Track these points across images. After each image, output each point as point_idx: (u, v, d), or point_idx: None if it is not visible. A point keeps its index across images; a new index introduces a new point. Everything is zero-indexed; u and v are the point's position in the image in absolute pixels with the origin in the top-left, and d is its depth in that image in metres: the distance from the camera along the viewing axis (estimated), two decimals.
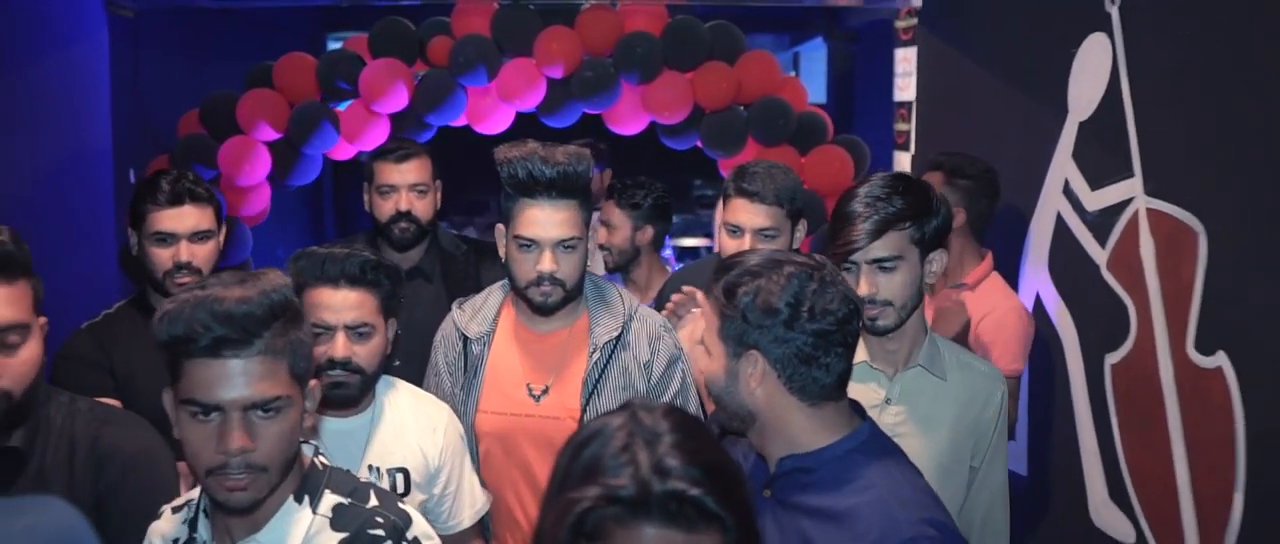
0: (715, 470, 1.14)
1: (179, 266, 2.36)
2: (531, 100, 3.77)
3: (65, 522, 1.13)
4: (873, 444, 1.63)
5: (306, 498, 1.54)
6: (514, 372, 2.16)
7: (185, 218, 2.37)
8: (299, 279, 1.94)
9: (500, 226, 2.16)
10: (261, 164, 3.77)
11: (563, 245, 2.06)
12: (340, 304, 1.92)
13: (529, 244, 2.06)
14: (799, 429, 1.57)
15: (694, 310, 2.32)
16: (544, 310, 2.12)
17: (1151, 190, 2.10)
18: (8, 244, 1.66)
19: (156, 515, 1.59)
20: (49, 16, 3.21)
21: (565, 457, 1.21)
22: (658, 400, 1.75)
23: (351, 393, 1.96)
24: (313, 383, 1.52)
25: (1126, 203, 2.18)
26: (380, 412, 2.02)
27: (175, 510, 1.58)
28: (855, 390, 1.94)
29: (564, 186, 2.04)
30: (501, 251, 2.16)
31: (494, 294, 2.26)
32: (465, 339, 2.20)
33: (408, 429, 2.02)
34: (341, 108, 3.85)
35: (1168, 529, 2.04)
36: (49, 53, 3.22)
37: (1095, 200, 2.31)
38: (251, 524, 1.49)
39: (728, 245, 2.49)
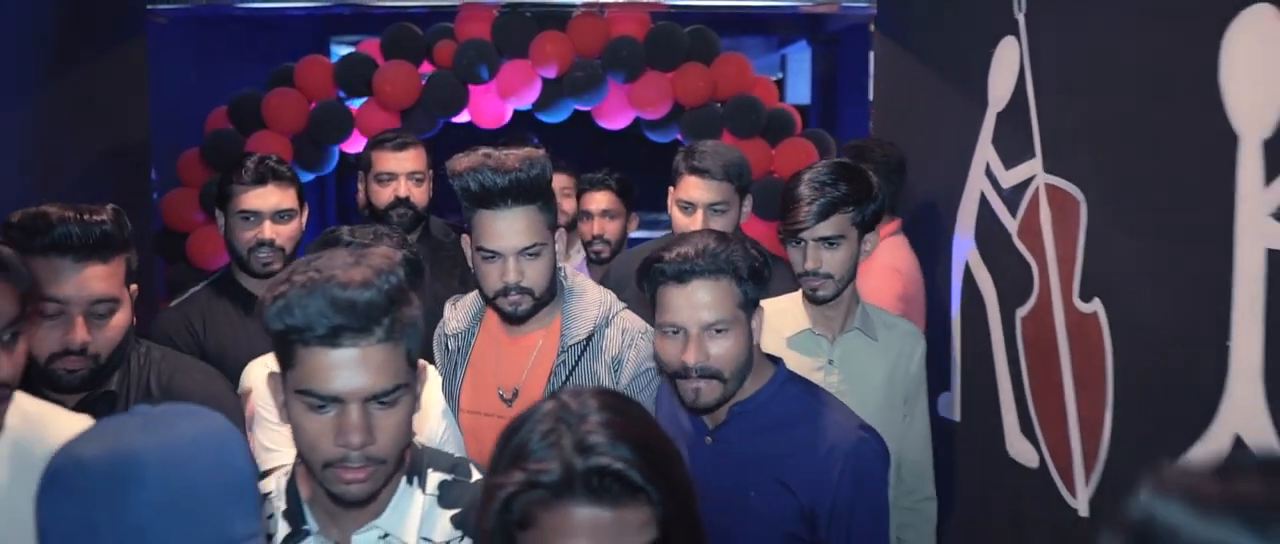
0: (642, 445, 1.12)
1: (261, 244, 2.46)
2: (528, 98, 4.16)
3: (219, 422, 1.16)
4: (793, 378, 1.99)
5: (416, 479, 1.49)
6: (489, 373, 2.14)
7: (268, 197, 2.46)
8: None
9: (465, 237, 2.11)
10: (283, 157, 4.16)
11: (525, 253, 2.00)
12: None
13: (491, 255, 2.00)
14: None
15: None
16: (515, 319, 2.08)
17: (1048, 168, 2.49)
18: (106, 224, 1.82)
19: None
20: (97, 24, 3.59)
21: (498, 445, 1.18)
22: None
23: None
24: (421, 364, 1.44)
25: (1031, 180, 2.57)
26: None
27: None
28: (798, 357, 2.30)
29: (520, 193, 1.96)
30: (470, 261, 2.10)
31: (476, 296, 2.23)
32: (447, 336, 2.21)
33: None
34: (356, 105, 4.24)
35: (1060, 452, 2.42)
36: (97, 56, 3.61)
37: (1008, 178, 2.70)
38: (368, 512, 1.43)
39: (681, 221, 2.61)
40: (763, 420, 1.91)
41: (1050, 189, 2.48)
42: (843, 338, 2.33)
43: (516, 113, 4.30)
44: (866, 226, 2.29)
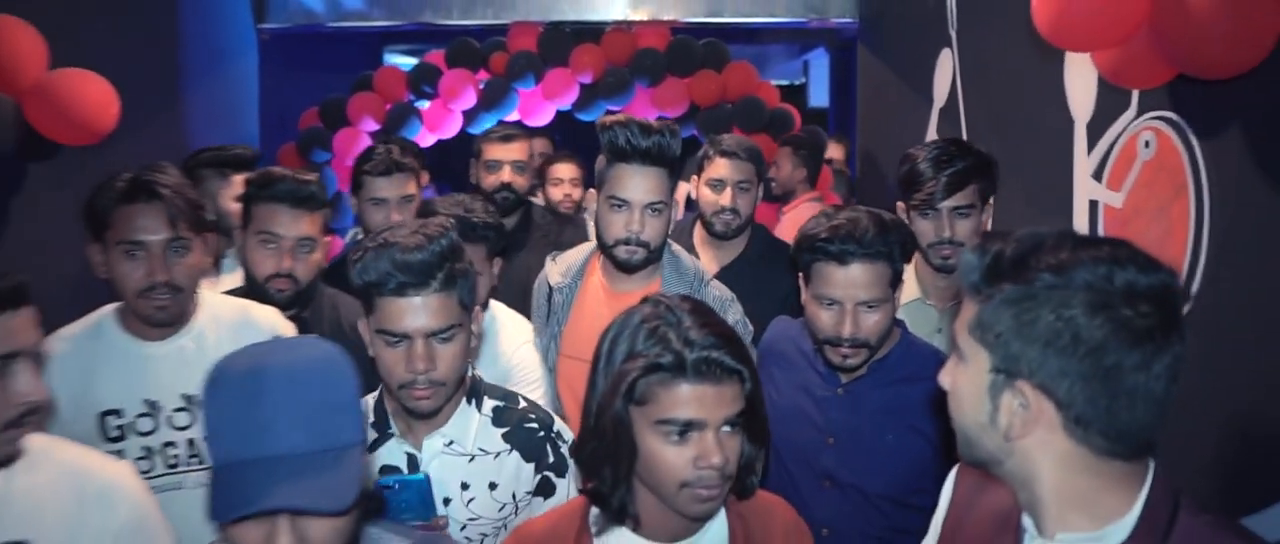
0: (728, 338, 1.39)
1: (389, 227, 2.69)
2: (567, 100, 4.95)
3: (333, 350, 1.32)
4: (916, 339, 2.06)
5: (474, 401, 1.80)
6: (591, 324, 2.18)
7: (395, 185, 2.72)
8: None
9: (592, 191, 2.30)
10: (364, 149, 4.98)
11: (650, 208, 2.16)
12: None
13: (621, 204, 2.16)
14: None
15: None
16: (627, 268, 2.21)
17: None
18: (312, 185, 2.21)
19: None
20: (216, 38, 4.43)
21: (604, 344, 1.44)
22: None
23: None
24: (476, 310, 1.73)
25: None
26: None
27: None
28: (912, 323, 2.25)
29: (656, 155, 2.14)
30: (592, 214, 2.29)
31: (583, 250, 2.39)
32: (551, 288, 2.34)
33: None
34: (424, 106, 5.06)
35: None
36: (218, 66, 4.44)
37: None
38: (436, 423, 1.75)
39: (710, 198, 2.83)
40: (896, 375, 2.01)
41: None
42: (951, 307, 2.34)
43: (558, 112, 5.09)
44: (986, 200, 2.32)
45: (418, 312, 1.61)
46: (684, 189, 4.46)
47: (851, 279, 1.91)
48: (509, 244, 2.60)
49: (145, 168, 1.97)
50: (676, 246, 2.35)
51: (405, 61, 6.66)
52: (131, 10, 3.47)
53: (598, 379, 1.42)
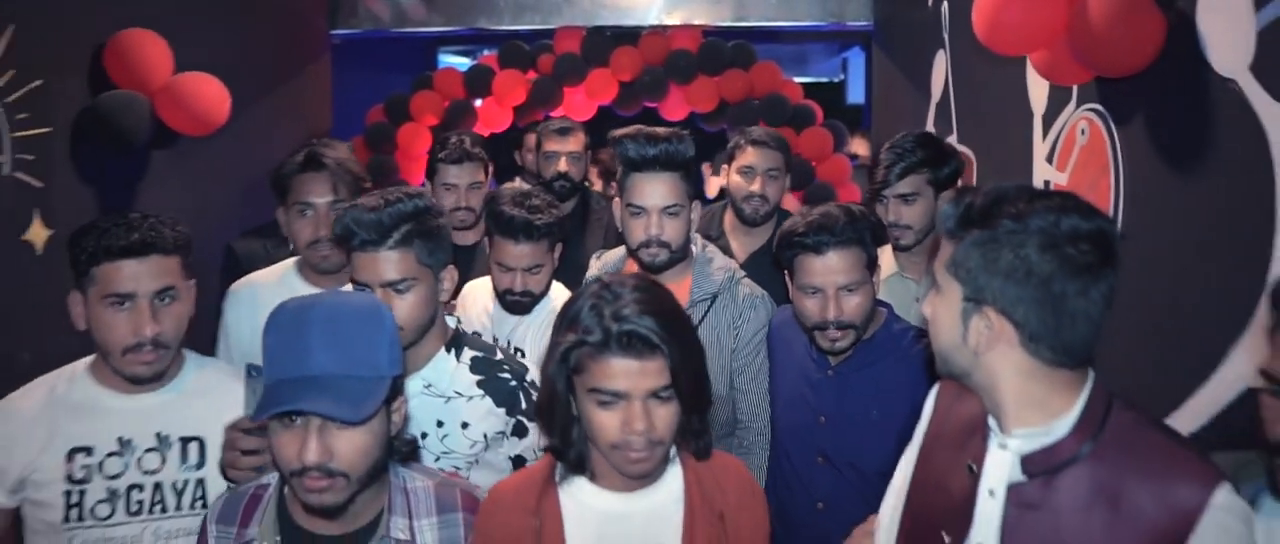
0: (660, 315, 1.47)
1: (458, 209, 2.98)
2: (608, 97, 5.43)
3: (374, 301, 1.52)
4: (898, 319, 2.21)
5: (453, 350, 1.98)
6: None
7: (465, 172, 2.99)
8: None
9: (617, 200, 2.39)
10: (424, 143, 5.52)
11: (666, 211, 2.26)
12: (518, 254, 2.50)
13: (639, 210, 2.27)
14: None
15: None
16: (653, 269, 2.30)
17: (960, 140, 3.65)
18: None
19: None
20: (298, 43, 4.99)
21: (558, 318, 1.55)
22: (743, 361, 2.25)
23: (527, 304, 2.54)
24: (450, 269, 1.93)
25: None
26: None
27: None
28: (893, 295, 2.48)
29: (666, 161, 2.25)
30: (618, 221, 2.38)
31: (621, 252, 2.52)
32: None
33: None
34: (478, 103, 5.58)
35: None
36: (300, 67, 5.00)
37: None
38: (414, 367, 1.92)
39: (741, 184, 2.97)
40: (880, 355, 2.13)
41: (959, 153, 3.64)
42: (926, 279, 2.50)
43: (599, 108, 5.58)
44: (942, 185, 2.52)
45: (375, 265, 1.83)
46: (716, 183, 4.84)
47: (829, 266, 2.08)
48: (567, 230, 2.77)
49: (318, 142, 2.43)
50: (712, 248, 2.47)
51: (458, 62, 7.22)
52: (235, 20, 4.04)
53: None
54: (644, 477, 1.57)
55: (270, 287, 2.42)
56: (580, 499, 1.58)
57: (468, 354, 1.99)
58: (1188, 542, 1.22)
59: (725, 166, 3.14)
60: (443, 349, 1.97)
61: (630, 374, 1.46)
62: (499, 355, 2.03)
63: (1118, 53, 2.15)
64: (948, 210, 1.33)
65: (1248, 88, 1.89)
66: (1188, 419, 2.05)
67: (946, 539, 1.40)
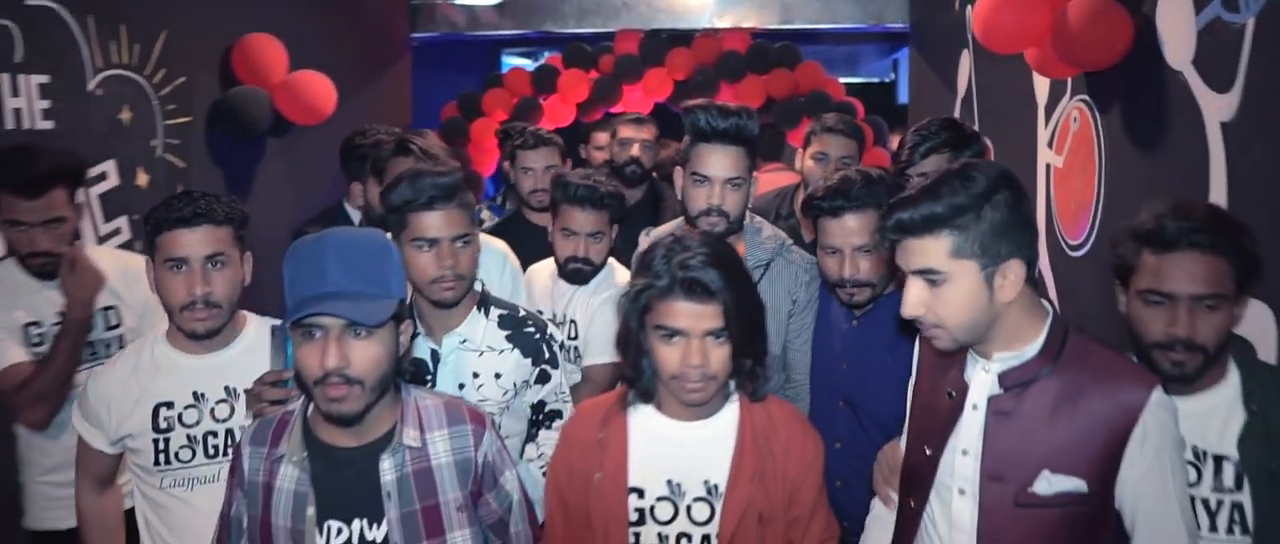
0: (723, 268, 1.68)
1: (536, 190, 3.21)
2: (664, 95, 5.88)
3: (382, 235, 1.67)
4: None
5: (483, 309, 2.18)
6: None
7: (541, 157, 3.26)
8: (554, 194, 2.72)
9: (679, 168, 2.42)
10: (516, 127, 6.02)
11: (730, 183, 2.30)
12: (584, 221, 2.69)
13: (703, 179, 2.31)
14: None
15: None
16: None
17: (980, 130, 4.02)
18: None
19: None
20: (385, 45, 5.52)
21: (635, 263, 1.82)
22: (799, 325, 2.37)
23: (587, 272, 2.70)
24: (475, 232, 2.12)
25: None
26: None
27: None
28: None
29: (734, 135, 2.29)
30: (678, 189, 2.43)
31: (670, 226, 2.59)
32: None
33: None
34: (543, 100, 6.06)
35: None
36: (386, 66, 5.53)
37: None
38: (451, 325, 2.12)
39: (814, 170, 3.04)
40: (898, 309, 2.12)
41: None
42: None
43: (656, 105, 6.03)
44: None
45: (443, 220, 2.04)
46: (778, 179, 5.12)
47: (846, 228, 2.20)
48: (628, 213, 2.96)
49: (409, 132, 2.86)
50: (759, 219, 2.55)
51: (521, 62, 7.72)
52: (335, 25, 4.58)
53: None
54: (700, 407, 1.76)
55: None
56: (644, 423, 1.80)
57: (494, 312, 2.20)
58: (1134, 430, 1.52)
59: (801, 150, 3.29)
60: (475, 308, 2.18)
61: (690, 315, 1.67)
62: (522, 313, 2.24)
63: (1092, 50, 2.53)
64: (904, 222, 1.52)
65: (1191, 79, 2.26)
66: None
67: (927, 451, 1.69)
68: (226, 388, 2.01)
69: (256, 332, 2.07)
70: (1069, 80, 3.03)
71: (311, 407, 1.65)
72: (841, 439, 2.30)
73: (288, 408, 1.77)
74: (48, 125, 2.78)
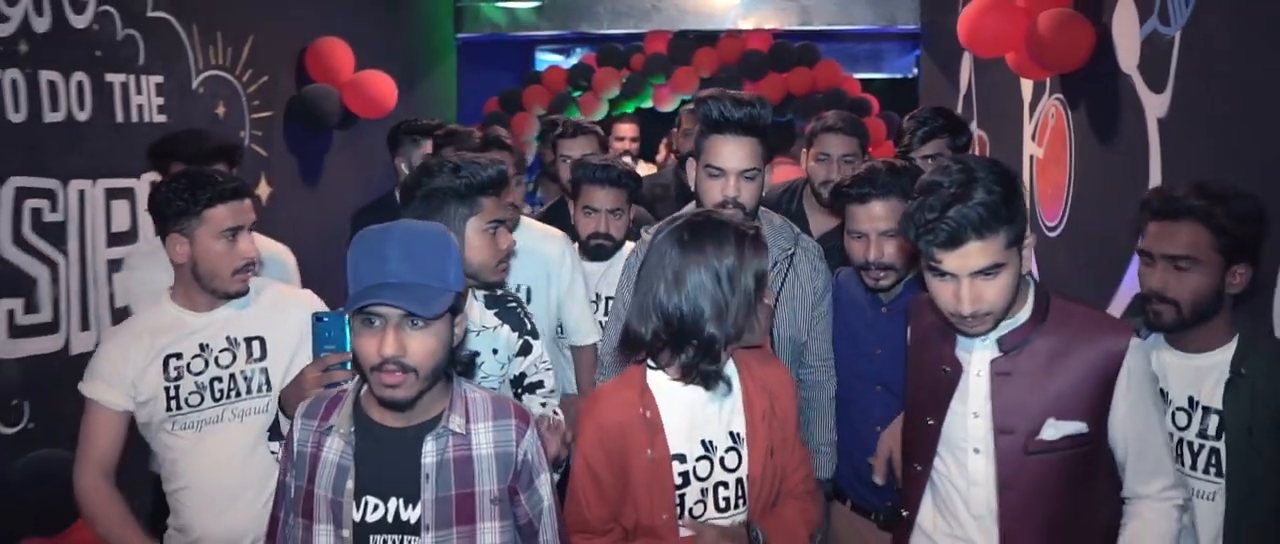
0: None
1: (570, 181, 3.21)
2: (690, 91, 6.29)
3: (443, 230, 1.70)
4: None
5: (471, 292, 2.18)
6: None
7: (579, 145, 3.38)
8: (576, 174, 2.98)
9: (691, 161, 2.39)
10: (532, 129, 6.48)
11: (744, 174, 2.26)
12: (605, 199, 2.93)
13: (718, 172, 2.27)
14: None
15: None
16: None
17: (979, 124, 4.40)
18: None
19: None
20: (434, 44, 5.98)
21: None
22: (822, 310, 2.44)
23: None
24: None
25: (972, 132, 4.48)
26: None
27: None
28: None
29: (748, 125, 2.26)
30: (691, 182, 2.40)
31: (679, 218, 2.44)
32: None
33: None
34: (578, 95, 6.50)
35: None
36: (435, 64, 6.00)
37: None
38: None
39: (818, 171, 3.08)
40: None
41: (977, 136, 4.40)
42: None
43: (682, 100, 6.44)
44: (959, 152, 2.80)
45: (506, 206, 2.17)
46: (789, 173, 5.49)
47: (871, 214, 2.28)
48: (639, 188, 3.09)
49: (497, 127, 3.25)
50: (765, 210, 2.52)
51: (554, 59, 8.16)
52: (393, 27, 5.05)
53: None
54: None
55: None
56: (667, 392, 1.86)
57: (480, 293, 2.26)
58: (1120, 372, 1.73)
59: (805, 150, 3.31)
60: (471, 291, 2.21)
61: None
62: (499, 290, 2.32)
63: (1060, 56, 2.92)
64: (973, 221, 1.61)
65: (1136, 81, 2.65)
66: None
67: (929, 421, 1.86)
68: (227, 338, 2.19)
69: (253, 291, 2.25)
70: (1048, 81, 3.42)
71: (366, 387, 1.70)
72: (881, 422, 2.36)
73: (342, 386, 1.83)
74: (162, 119, 3.25)
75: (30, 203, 2.76)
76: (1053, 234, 3.34)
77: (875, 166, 2.31)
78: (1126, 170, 2.74)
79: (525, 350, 2.29)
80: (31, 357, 2.76)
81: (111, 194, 3.04)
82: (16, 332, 2.73)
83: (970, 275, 1.66)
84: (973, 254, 1.63)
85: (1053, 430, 1.73)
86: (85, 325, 2.93)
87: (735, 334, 1.80)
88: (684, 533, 1.83)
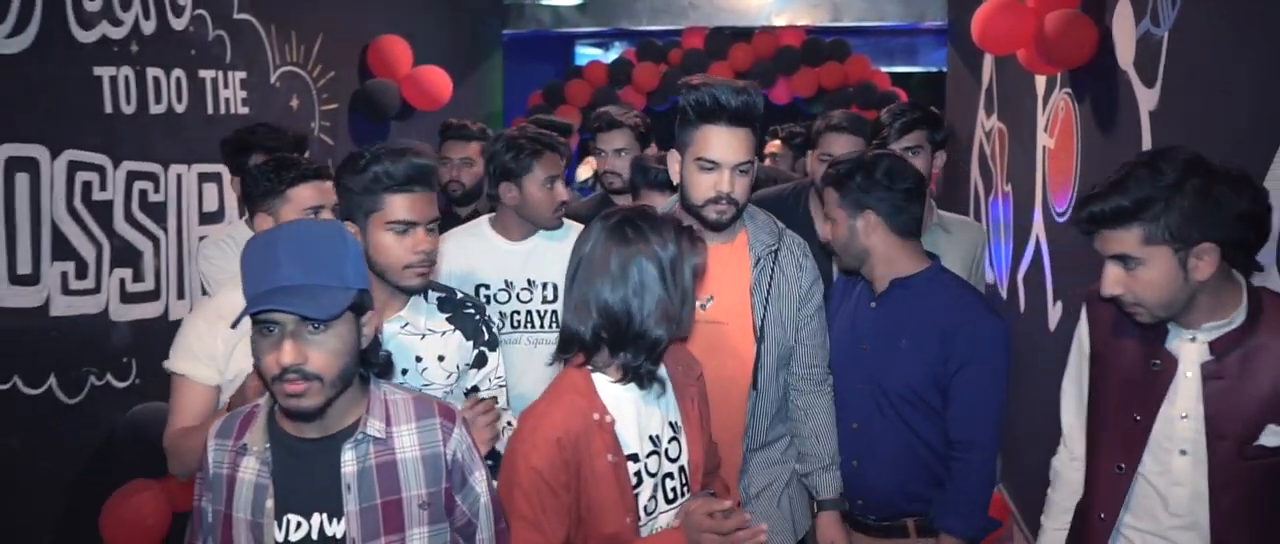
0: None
1: (605, 173, 3.50)
2: None
3: (337, 225, 1.69)
4: (945, 271, 2.38)
5: (423, 292, 2.09)
6: None
7: (612, 139, 3.43)
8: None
9: (674, 152, 2.22)
10: (575, 121, 6.79)
11: (739, 168, 2.12)
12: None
13: (711, 165, 2.12)
14: (900, 259, 2.30)
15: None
16: (718, 227, 2.18)
17: (998, 116, 4.63)
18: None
19: None
20: (483, 41, 6.32)
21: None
22: (811, 309, 2.33)
23: None
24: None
25: (993, 123, 4.71)
26: None
27: None
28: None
29: (744, 115, 2.11)
30: (675, 175, 2.23)
31: (665, 206, 2.37)
32: None
33: None
34: (619, 89, 6.80)
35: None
36: (484, 60, 6.33)
37: (987, 123, 4.84)
38: (393, 310, 2.04)
39: (819, 171, 2.93)
40: (917, 294, 2.26)
41: (997, 128, 4.63)
42: (926, 236, 2.61)
43: None
44: (937, 146, 2.83)
45: (422, 204, 1.95)
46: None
47: (829, 197, 2.32)
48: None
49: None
50: (748, 205, 2.37)
51: (594, 54, 8.47)
52: (445, 24, 5.39)
53: None
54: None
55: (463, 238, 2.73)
56: (611, 393, 1.79)
57: (433, 295, 2.13)
58: None
59: (811, 151, 3.26)
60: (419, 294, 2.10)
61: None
62: (459, 294, 2.19)
63: (1065, 53, 3.16)
64: (1096, 215, 1.68)
65: (1132, 77, 2.89)
66: None
67: (1137, 417, 1.79)
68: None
69: None
70: (1059, 76, 3.65)
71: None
72: (859, 420, 2.34)
73: (255, 402, 1.72)
74: (244, 111, 3.60)
75: (138, 184, 3.12)
76: (1062, 219, 3.57)
77: (864, 156, 2.33)
78: (1124, 159, 2.96)
79: (480, 362, 2.16)
80: (138, 320, 3.12)
81: (203, 178, 3.41)
82: (127, 298, 3.08)
83: (1109, 260, 1.71)
84: (1109, 241, 1.69)
85: (1273, 437, 1.66)
86: (180, 294, 3.29)
87: (676, 330, 1.77)
88: (669, 518, 1.83)
